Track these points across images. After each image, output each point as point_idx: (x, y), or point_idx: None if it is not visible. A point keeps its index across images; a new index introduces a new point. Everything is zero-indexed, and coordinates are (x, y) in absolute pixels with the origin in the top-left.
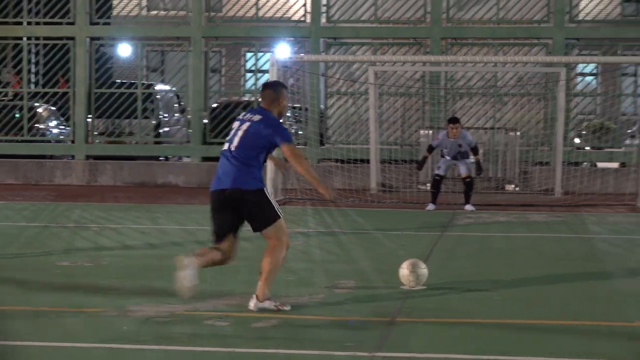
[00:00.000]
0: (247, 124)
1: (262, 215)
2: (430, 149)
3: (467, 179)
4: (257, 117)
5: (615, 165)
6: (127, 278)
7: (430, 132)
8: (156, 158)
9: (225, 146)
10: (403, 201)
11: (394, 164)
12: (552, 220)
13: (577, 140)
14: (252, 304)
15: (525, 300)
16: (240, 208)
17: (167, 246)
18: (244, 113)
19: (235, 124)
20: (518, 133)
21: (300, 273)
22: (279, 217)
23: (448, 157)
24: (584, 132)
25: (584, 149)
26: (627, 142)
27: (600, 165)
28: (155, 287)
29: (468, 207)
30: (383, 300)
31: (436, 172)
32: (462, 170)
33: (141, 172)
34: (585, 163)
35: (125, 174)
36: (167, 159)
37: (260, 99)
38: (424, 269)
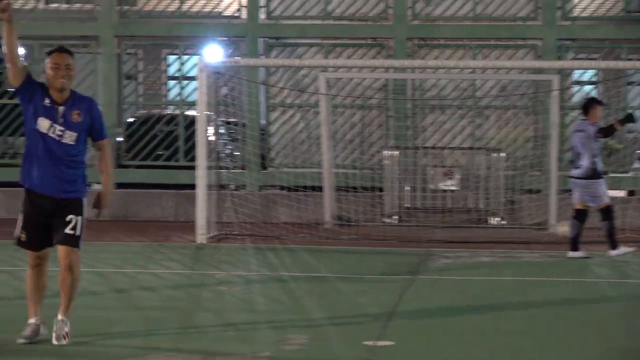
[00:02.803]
0: None
1: None
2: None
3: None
4: None
5: (621, 193)
6: None
7: (396, 152)
8: None
9: None
10: (364, 237)
11: (352, 192)
12: (546, 260)
13: None
14: None
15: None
16: None
17: None
18: None
19: None
20: (502, 154)
21: (240, 326)
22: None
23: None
24: None
25: None
26: (636, 165)
27: None
28: (62, 346)
29: (615, 252)
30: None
31: (606, 200)
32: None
33: None
34: None
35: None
36: None
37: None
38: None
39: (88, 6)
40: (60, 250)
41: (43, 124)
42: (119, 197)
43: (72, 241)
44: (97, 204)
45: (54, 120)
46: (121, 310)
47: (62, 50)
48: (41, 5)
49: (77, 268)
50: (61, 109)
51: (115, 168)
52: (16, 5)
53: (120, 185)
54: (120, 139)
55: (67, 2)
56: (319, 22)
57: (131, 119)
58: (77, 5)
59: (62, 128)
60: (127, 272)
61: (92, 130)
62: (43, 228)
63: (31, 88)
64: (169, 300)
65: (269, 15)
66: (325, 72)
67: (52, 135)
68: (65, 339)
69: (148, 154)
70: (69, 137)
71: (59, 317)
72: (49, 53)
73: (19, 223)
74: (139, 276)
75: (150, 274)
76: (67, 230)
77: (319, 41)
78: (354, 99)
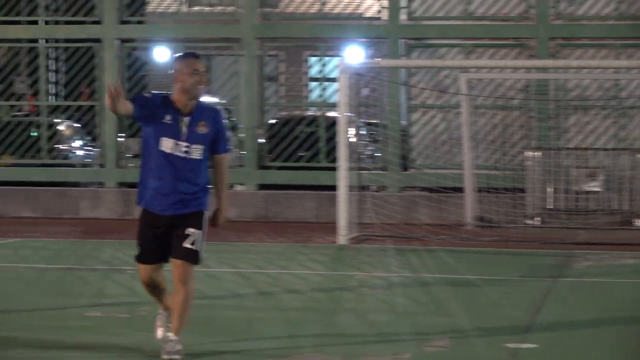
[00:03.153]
0: None
1: None
2: None
3: None
4: None
5: None
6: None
7: (538, 153)
8: None
9: None
10: (506, 239)
11: (493, 193)
12: None
13: None
14: None
15: None
16: None
17: (218, 294)
18: None
19: None
20: None
21: (381, 327)
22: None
23: None
24: None
25: None
26: None
27: None
28: (203, 345)
29: None
30: None
31: None
32: None
33: None
34: None
35: None
36: None
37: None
38: None
39: (230, 8)
40: (176, 264)
41: (167, 144)
42: (261, 198)
43: (191, 256)
44: (213, 221)
45: (177, 137)
46: (262, 311)
47: (197, 55)
48: (184, 9)
49: (192, 283)
50: (186, 120)
51: (257, 169)
52: (160, 9)
53: (262, 187)
54: (262, 140)
55: (209, 4)
56: (460, 22)
57: (273, 121)
58: (220, 8)
59: (187, 144)
60: (269, 272)
61: (215, 143)
62: (158, 242)
63: (146, 111)
64: (310, 301)
65: (409, 16)
66: (466, 72)
67: (177, 154)
68: (177, 356)
69: (289, 156)
70: (196, 151)
71: (171, 336)
72: (180, 58)
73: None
74: (281, 277)
75: (291, 274)
76: (186, 245)
77: (460, 42)
78: (496, 100)
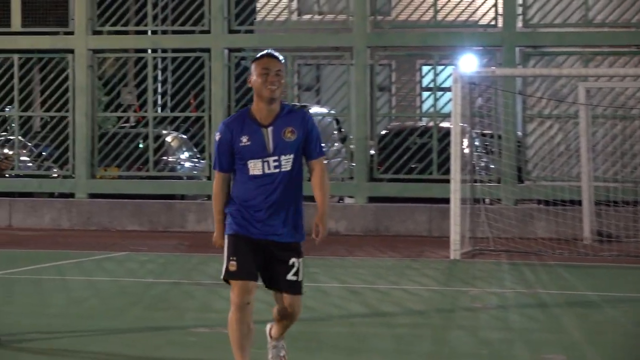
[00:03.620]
0: None
1: None
2: None
3: None
4: None
5: None
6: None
7: None
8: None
9: None
10: (626, 254)
11: (613, 207)
12: None
13: None
14: None
15: None
16: None
17: (327, 309)
18: None
19: None
20: None
21: (495, 344)
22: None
23: None
24: None
25: None
26: None
27: None
28: None
29: None
30: None
31: None
32: None
33: None
34: None
35: None
36: None
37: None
38: None
39: (341, 17)
40: (284, 298)
41: (255, 166)
42: (372, 211)
43: (296, 288)
44: (315, 232)
45: (263, 154)
46: (372, 327)
47: (272, 55)
48: (294, 17)
49: (300, 312)
50: (269, 131)
51: (367, 182)
52: (269, 18)
53: (372, 199)
54: (372, 151)
55: (320, 13)
56: (578, 29)
57: (384, 132)
58: (330, 17)
59: (275, 158)
60: (379, 288)
61: (307, 147)
62: (255, 257)
63: (229, 147)
64: (421, 317)
65: (525, 23)
66: (584, 81)
67: (268, 171)
68: None
69: (401, 167)
70: (287, 163)
71: (272, 342)
72: (256, 60)
73: (226, 253)
74: (391, 292)
75: (402, 290)
76: (290, 277)
77: (578, 49)
78: (616, 110)
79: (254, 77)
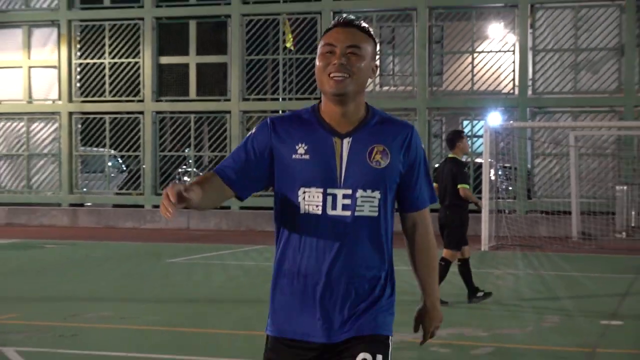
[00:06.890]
0: None
1: None
2: None
3: None
4: None
5: None
6: None
7: (625, 187)
8: None
9: None
10: (601, 248)
11: (592, 215)
12: None
13: None
14: None
15: None
16: None
17: None
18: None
19: None
20: None
21: (511, 308)
22: None
23: None
24: None
25: None
26: None
27: None
28: None
29: None
30: (584, 334)
31: None
32: None
33: None
34: None
35: None
36: None
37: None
38: None
39: (409, 87)
40: None
41: (310, 198)
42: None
43: None
44: (422, 325)
45: (327, 182)
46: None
47: (344, 22)
48: (377, 88)
49: None
50: (346, 144)
51: None
52: None
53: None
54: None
55: (394, 85)
56: (570, 95)
57: (437, 165)
58: (402, 87)
59: (347, 192)
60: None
61: (408, 186)
62: None
63: (259, 155)
64: (463, 289)
65: (534, 91)
66: (574, 131)
67: (332, 213)
68: None
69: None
70: (366, 203)
71: None
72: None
73: None
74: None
75: (450, 272)
76: None
77: (570, 109)
78: (595, 150)
79: (316, 62)
